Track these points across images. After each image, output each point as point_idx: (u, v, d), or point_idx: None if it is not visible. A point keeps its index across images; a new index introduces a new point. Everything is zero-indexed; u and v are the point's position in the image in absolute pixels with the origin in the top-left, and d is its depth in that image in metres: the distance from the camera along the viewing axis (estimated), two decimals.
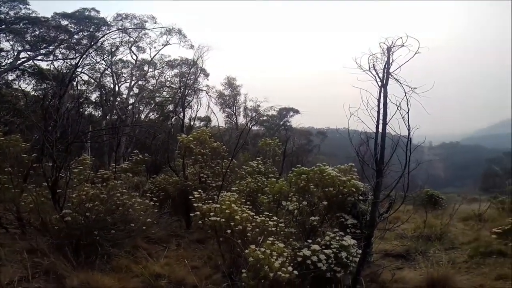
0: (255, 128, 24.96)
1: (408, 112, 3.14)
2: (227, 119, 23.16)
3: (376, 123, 3.25)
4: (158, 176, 7.31)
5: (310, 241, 3.79)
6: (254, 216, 3.84)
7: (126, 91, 18.22)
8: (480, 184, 25.38)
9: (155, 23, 17.43)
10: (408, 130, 3.14)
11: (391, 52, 3.40)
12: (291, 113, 26.19)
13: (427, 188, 11.26)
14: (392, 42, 3.36)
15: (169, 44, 17.88)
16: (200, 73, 18.37)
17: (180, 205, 6.29)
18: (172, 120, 12.88)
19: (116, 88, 17.47)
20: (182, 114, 8.40)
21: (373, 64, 3.44)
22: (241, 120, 22.90)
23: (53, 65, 15.27)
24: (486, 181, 25.55)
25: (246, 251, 3.15)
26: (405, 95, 3.15)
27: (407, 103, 3.16)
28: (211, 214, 3.74)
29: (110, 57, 16.87)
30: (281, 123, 26.09)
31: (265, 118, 25.70)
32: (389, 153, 3.35)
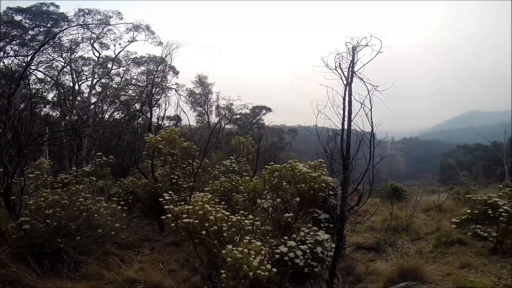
0: (228, 126, 24.80)
1: (371, 110, 3.28)
2: (198, 118, 22.71)
3: (342, 120, 3.36)
4: (125, 179, 6.96)
5: (286, 237, 3.83)
6: (230, 216, 3.81)
7: (88, 90, 17.09)
8: (438, 176, 27.50)
9: (121, 19, 16.50)
10: (372, 126, 3.28)
11: (356, 52, 3.52)
12: (264, 111, 26.34)
13: (391, 181, 11.97)
14: (357, 42, 3.48)
15: (136, 40, 17.02)
16: (169, 71, 17.77)
17: (151, 208, 6.08)
18: (139, 119, 12.28)
19: (76, 87, 16.29)
20: (149, 113, 8.00)
21: (339, 63, 3.54)
22: (213, 118, 22.58)
23: (3, 63, 13.83)
24: (443, 173, 27.77)
25: (223, 251, 3.12)
26: (368, 93, 3.29)
27: (370, 100, 3.30)
28: (184, 216, 3.66)
29: (69, 54, 15.67)
30: (254, 121, 26.15)
31: (238, 116, 25.60)
32: (356, 149, 3.47)
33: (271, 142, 24.71)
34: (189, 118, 18.18)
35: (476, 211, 5.07)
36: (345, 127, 3.37)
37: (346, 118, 3.33)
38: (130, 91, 18.38)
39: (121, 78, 18.13)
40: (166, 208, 3.92)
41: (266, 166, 4.91)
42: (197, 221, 3.61)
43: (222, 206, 4.09)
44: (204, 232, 3.54)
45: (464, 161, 28.38)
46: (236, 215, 3.84)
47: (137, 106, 16.57)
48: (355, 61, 3.48)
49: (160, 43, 16.93)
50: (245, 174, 6.69)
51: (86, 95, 17.01)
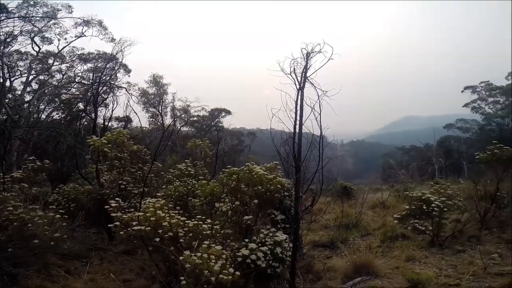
0: (184, 129, 23.98)
1: (320, 114, 3.45)
2: (151, 119, 21.47)
3: (294, 123, 3.46)
4: (66, 186, 6.25)
5: (247, 240, 3.81)
6: (186, 221, 3.66)
7: (22, 87, 14.96)
8: (380, 175, 30.20)
9: (70, 12, 14.82)
10: (320, 130, 3.45)
11: (309, 58, 3.66)
12: (223, 114, 26.10)
13: (340, 180, 12.79)
14: (312, 48, 3.63)
15: (84, 36, 15.44)
16: (119, 69, 16.50)
17: (98, 216, 5.59)
18: (83, 120, 11.08)
19: (8, 83, 14.14)
20: (94, 113, 7.28)
21: (294, 68, 3.66)
22: (168, 120, 21.56)
23: None
24: (384, 172, 30.57)
25: (181, 257, 3.01)
26: (318, 98, 3.44)
27: (319, 105, 3.46)
28: (134, 223, 3.44)
29: (2, 47, 13.54)
30: (212, 123, 25.72)
31: (195, 118, 24.95)
32: (309, 151, 3.61)
33: (231, 145, 24.63)
34: (141, 119, 17.03)
35: (413, 207, 5.58)
36: (297, 130, 3.48)
37: (297, 122, 3.44)
38: (73, 89, 16.59)
39: (63, 75, 16.28)
40: (114, 216, 3.67)
41: (223, 169, 4.82)
42: (149, 228, 3.42)
43: (177, 212, 3.93)
44: (158, 239, 3.37)
45: (402, 161, 31.65)
46: (193, 220, 3.72)
47: (81, 105, 15.02)
48: (308, 67, 3.62)
49: (113, 40, 15.64)
50: (202, 178, 6.48)
51: (20, 92, 14.90)
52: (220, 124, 25.39)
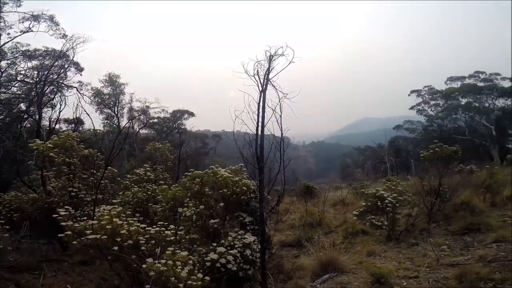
0: (143, 131, 22.78)
1: (281, 116, 3.51)
2: (106, 121, 19.95)
3: (256, 125, 3.48)
4: (6, 194, 5.65)
5: (215, 244, 3.74)
6: (147, 228, 3.49)
7: None
8: (339, 174, 31.92)
9: (19, 6, 13.04)
10: (281, 131, 3.50)
11: (272, 60, 3.72)
12: (186, 116, 25.33)
13: (303, 180, 13.20)
14: (275, 51, 3.69)
15: (32, 31, 13.72)
16: (70, 67, 15.03)
17: (48, 226, 5.07)
18: (24, 123, 9.86)
19: None
20: (38, 115, 6.53)
21: (257, 71, 3.70)
22: (125, 122, 20.22)
23: None
24: (343, 171, 32.38)
25: (144, 265, 2.87)
26: (279, 101, 3.50)
27: (280, 107, 3.52)
28: (88, 232, 3.22)
29: None
30: (174, 126, 24.81)
31: (155, 120, 23.84)
32: (273, 152, 3.64)
33: (194, 148, 24.01)
34: (94, 121, 15.69)
35: (369, 203, 5.91)
36: (259, 132, 3.50)
37: (260, 124, 3.46)
38: (14, 88, 14.71)
39: (2, 72, 14.33)
40: (64, 225, 3.39)
41: (186, 173, 4.66)
42: (105, 236, 3.21)
43: (136, 219, 3.73)
44: (116, 248, 3.18)
45: (358, 161, 33.83)
46: (155, 226, 3.56)
47: (23, 106, 13.39)
48: (270, 69, 3.67)
49: (64, 36, 14.18)
50: (163, 183, 6.18)
51: None
52: (183, 126, 24.62)
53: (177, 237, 3.61)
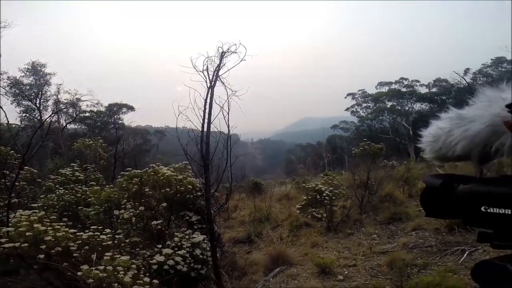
0: (72, 126, 20.16)
1: (228, 113, 3.50)
2: (24, 115, 17.09)
3: (202, 121, 3.39)
4: None
5: (160, 246, 3.58)
6: (78, 233, 3.17)
7: None
8: (284, 170, 33.43)
9: None
10: (228, 128, 3.50)
11: (224, 57, 3.68)
12: (124, 110, 23.20)
13: (252, 176, 13.42)
14: (228, 48, 3.65)
15: None
16: None
17: None
18: None
19: None
20: None
21: (207, 66, 3.61)
22: (48, 116, 17.55)
23: None
24: (287, 167, 34.00)
25: (79, 273, 2.62)
26: (228, 98, 3.48)
27: (228, 104, 3.50)
28: (4, 240, 2.84)
29: None
30: (110, 120, 22.52)
31: (87, 114, 21.28)
32: (220, 149, 3.59)
33: (134, 145, 22.19)
34: (10, 114, 13.21)
35: (309, 197, 6.30)
36: (205, 128, 3.42)
37: (206, 120, 3.37)
38: None
39: None
40: None
41: (122, 173, 4.27)
42: (26, 244, 2.84)
43: (64, 224, 3.35)
44: (43, 255, 2.85)
45: (301, 157, 35.93)
46: (87, 231, 3.26)
47: None
48: (221, 66, 3.61)
49: None
50: (94, 184, 5.54)
51: None
52: (120, 121, 22.54)
53: (115, 242, 3.39)
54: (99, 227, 3.41)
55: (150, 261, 3.27)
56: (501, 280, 0.44)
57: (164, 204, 4.17)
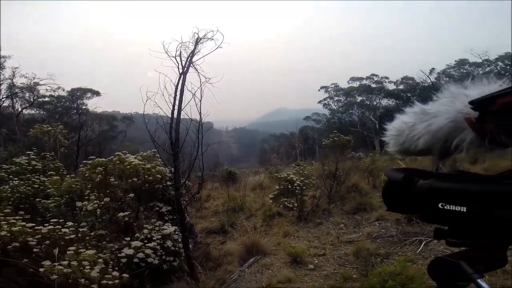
0: (29, 111, 18.50)
1: (200, 100, 3.41)
2: None
3: (172, 108, 3.28)
4: None
5: (128, 238, 3.47)
6: (36, 227, 3.02)
7: None
8: (258, 159, 33.76)
9: None
10: (200, 115, 3.42)
11: (199, 43, 3.55)
12: (89, 95, 21.70)
13: (226, 165, 13.33)
14: (205, 34, 3.53)
15: None
16: None
17: None
18: None
19: None
20: None
21: (180, 52, 3.49)
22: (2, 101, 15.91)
23: None
24: (261, 156, 34.37)
25: (42, 269, 2.51)
26: (201, 85, 3.39)
27: (201, 91, 3.41)
28: None
29: None
30: (73, 105, 20.96)
31: (47, 99, 19.59)
32: (192, 138, 3.50)
33: (99, 131, 20.97)
34: None
35: (281, 186, 6.38)
36: (175, 115, 3.30)
37: (176, 107, 3.26)
38: None
39: None
40: None
41: (85, 161, 4.02)
42: None
43: (21, 217, 3.20)
44: None
45: (274, 146, 36.46)
46: (47, 224, 3.10)
47: None
48: (195, 52, 3.50)
49: None
50: (54, 174, 5.16)
51: None
52: (84, 107, 21.07)
53: (79, 235, 3.27)
54: (60, 220, 3.25)
55: (119, 255, 3.16)
56: (455, 277, 0.45)
57: (132, 195, 4.03)
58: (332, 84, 30.95)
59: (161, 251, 3.46)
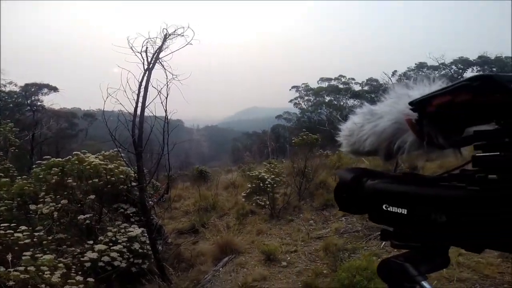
0: None
1: (166, 98, 3.30)
2: None
3: (135, 105, 3.14)
4: None
5: (91, 242, 3.33)
6: None
7: None
8: (231, 157, 33.58)
9: None
10: (166, 113, 3.31)
11: (167, 39, 3.45)
12: (45, 90, 19.95)
13: (197, 164, 13.05)
14: (175, 30, 3.45)
15: None
16: None
17: None
18: None
19: None
20: None
21: (147, 48, 3.38)
22: None
23: None
24: (234, 154, 34.22)
25: None
26: (167, 82, 3.28)
27: (167, 89, 3.31)
28: None
29: None
30: (27, 102, 19.15)
31: None
32: (157, 136, 3.38)
33: (57, 129, 19.39)
34: None
35: (254, 185, 6.44)
36: (138, 113, 3.17)
37: (140, 104, 3.12)
38: None
39: None
40: None
41: (39, 162, 3.71)
42: None
43: None
44: None
45: (247, 145, 36.52)
46: None
47: None
48: (163, 48, 3.42)
49: None
50: (2, 176, 4.67)
51: None
52: (39, 103, 19.36)
53: (35, 240, 3.11)
54: (12, 225, 3.03)
55: (81, 259, 3.05)
56: (402, 279, 0.45)
57: (92, 197, 3.80)
58: (303, 84, 31.80)
59: (128, 253, 3.37)
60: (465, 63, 24.96)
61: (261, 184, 6.22)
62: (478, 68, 23.81)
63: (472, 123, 0.43)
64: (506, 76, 0.38)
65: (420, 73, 27.45)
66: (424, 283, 0.43)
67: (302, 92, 31.59)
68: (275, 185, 6.28)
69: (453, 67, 25.34)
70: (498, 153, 0.39)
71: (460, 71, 24.86)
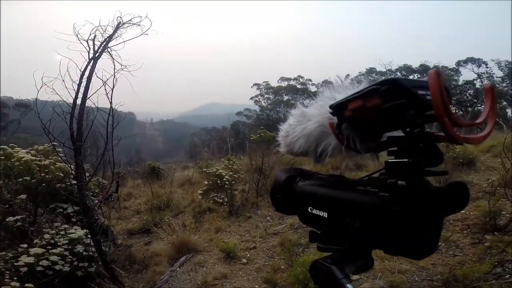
0: None
1: (112, 89, 3.05)
2: None
3: (75, 96, 2.83)
4: None
5: (25, 245, 3.04)
6: None
7: None
8: (187, 153, 32.64)
9: None
10: (111, 105, 3.07)
11: (120, 27, 3.27)
12: None
13: (150, 160, 12.36)
14: (131, 19, 3.25)
15: None
16: None
17: None
18: None
19: None
20: None
21: (95, 35, 3.15)
22: None
23: None
24: (191, 150, 33.32)
25: None
26: (114, 72, 3.04)
27: (113, 79, 3.07)
28: None
29: None
30: None
31: None
32: (99, 129, 3.12)
33: None
34: None
35: (211, 182, 6.29)
36: (78, 104, 2.88)
37: (81, 94, 2.82)
38: None
39: None
40: None
41: None
42: None
43: None
44: None
45: (205, 140, 35.86)
46: None
47: None
48: (114, 37, 3.25)
49: None
50: None
51: None
52: None
53: None
54: None
55: (15, 264, 2.85)
56: (330, 280, 0.44)
57: (23, 196, 3.34)
58: (264, 82, 32.28)
59: (71, 257, 3.12)
60: (408, 70, 27.81)
61: (219, 181, 6.12)
62: (418, 76, 26.78)
63: (388, 128, 0.43)
64: (413, 81, 0.38)
65: (370, 78, 29.93)
66: (349, 286, 0.43)
67: (263, 90, 32.07)
68: (233, 182, 6.23)
69: (398, 73, 28.11)
70: (407, 159, 0.39)
71: (404, 77, 27.73)
